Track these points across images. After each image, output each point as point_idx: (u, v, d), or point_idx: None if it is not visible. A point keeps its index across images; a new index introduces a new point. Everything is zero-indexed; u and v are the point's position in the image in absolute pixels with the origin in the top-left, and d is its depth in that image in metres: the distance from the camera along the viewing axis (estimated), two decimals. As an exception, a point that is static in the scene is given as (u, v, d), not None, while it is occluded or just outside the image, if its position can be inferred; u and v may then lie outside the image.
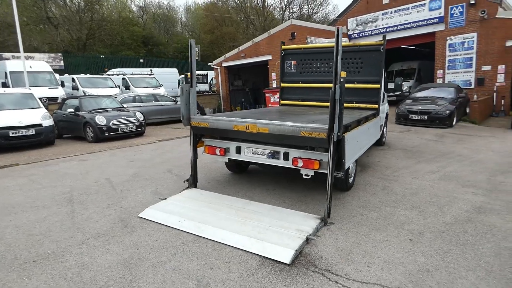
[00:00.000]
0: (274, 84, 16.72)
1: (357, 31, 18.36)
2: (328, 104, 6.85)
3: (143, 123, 10.65)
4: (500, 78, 14.05)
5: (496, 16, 13.72)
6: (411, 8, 16.02)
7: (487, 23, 13.88)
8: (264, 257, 3.08)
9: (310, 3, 37.82)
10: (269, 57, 16.68)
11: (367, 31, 17.86)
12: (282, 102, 7.57)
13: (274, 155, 4.34)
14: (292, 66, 7.41)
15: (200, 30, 42.48)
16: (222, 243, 3.33)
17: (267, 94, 15.87)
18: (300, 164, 4.04)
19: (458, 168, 6.10)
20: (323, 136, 3.69)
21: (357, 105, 6.69)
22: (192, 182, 4.91)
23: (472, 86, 14.66)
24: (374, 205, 4.33)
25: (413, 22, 16.08)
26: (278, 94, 15.37)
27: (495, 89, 14.19)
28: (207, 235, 3.46)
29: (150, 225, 3.77)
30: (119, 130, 9.84)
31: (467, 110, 12.86)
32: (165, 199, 4.43)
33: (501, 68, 13.96)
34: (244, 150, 4.58)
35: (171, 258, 3.08)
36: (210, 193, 4.67)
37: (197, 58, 4.85)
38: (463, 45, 14.87)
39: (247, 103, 21.56)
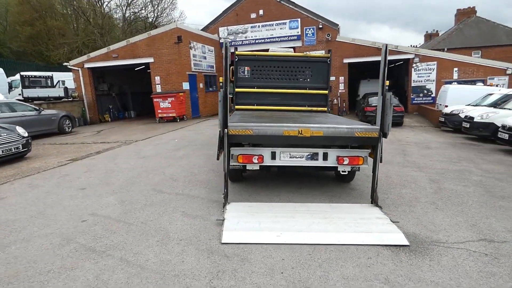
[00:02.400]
0: (158, 88, 15.65)
1: (228, 40, 19.59)
2: (287, 108, 7.54)
3: (29, 141, 7.98)
4: (341, 86, 18.50)
5: (336, 39, 17.96)
6: (275, 25, 18.63)
7: (331, 43, 17.96)
8: (385, 245, 3.46)
9: (156, 5, 36.52)
10: (150, 60, 15.45)
11: (238, 41, 19.40)
12: (236, 107, 7.60)
13: (313, 156, 4.63)
14: (246, 72, 7.58)
15: (14, 20, 33.54)
16: (340, 244, 3.46)
17: (155, 100, 14.78)
18: (346, 162, 4.54)
19: (380, 155, 8.02)
20: (375, 135, 4.34)
21: (309, 108, 7.67)
22: (227, 196, 4.49)
23: (323, 92, 18.62)
24: (381, 190, 5.30)
25: (277, 37, 18.74)
26: (169, 99, 14.62)
27: (338, 95, 18.55)
28: (322, 241, 3.48)
29: (251, 247, 3.37)
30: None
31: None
32: (224, 219, 3.93)
33: (342, 79, 18.41)
34: (280, 155, 4.62)
35: (324, 270, 3.00)
36: (258, 204, 4.46)
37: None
38: (316, 60, 18.60)
39: (115, 110, 19.10)
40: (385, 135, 4.34)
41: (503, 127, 8.75)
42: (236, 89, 7.59)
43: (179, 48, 15.01)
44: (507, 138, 8.40)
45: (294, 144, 4.57)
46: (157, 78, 15.49)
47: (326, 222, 3.87)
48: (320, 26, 17.95)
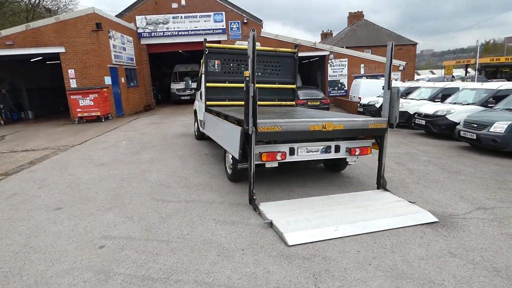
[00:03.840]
0: (73, 83, 13.35)
1: (148, 31, 18.08)
2: (261, 102, 7.46)
3: None
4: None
5: (261, 35, 18.44)
6: (199, 17, 18.00)
7: (258, 39, 18.31)
8: (421, 224, 3.85)
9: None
10: (60, 49, 12.96)
11: (159, 31, 18.06)
12: (208, 103, 7.14)
13: (327, 149, 4.78)
14: (216, 66, 7.17)
15: None
16: (390, 229, 3.70)
17: (72, 97, 12.64)
18: (357, 152, 4.82)
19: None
20: (384, 126, 4.72)
21: (278, 102, 7.77)
22: (252, 197, 4.25)
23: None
24: (372, 176, 5.81)
25: (202, 30, 18.17)
26: (91, 96, 12.67)
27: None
28: (376, 228, 3.66)
29: (320, 245, 3.30)
30: None
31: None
32: (271, 220, 3.72)
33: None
34: (298, 150, 4.62)
35: (400, 254, 3.18)
36: (288, 201, 4.39)
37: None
38: (242, 54, 18.77)
39: (7, 111, 15.52)
40: (391, 126, 4.76)
41: (419, 114, 10.52)
42: (207, 84, 7.13)
43: (98, 37, 13.07)
44: (424, 124, 10.14)
45: (306, 139, 4.62)
46: (71, 72, 13.18)
47: (364, 211, 4.06)
48: (245, 21, 18.14)
